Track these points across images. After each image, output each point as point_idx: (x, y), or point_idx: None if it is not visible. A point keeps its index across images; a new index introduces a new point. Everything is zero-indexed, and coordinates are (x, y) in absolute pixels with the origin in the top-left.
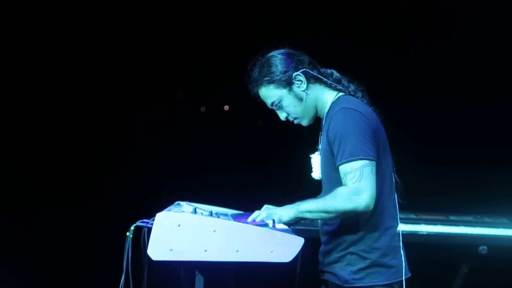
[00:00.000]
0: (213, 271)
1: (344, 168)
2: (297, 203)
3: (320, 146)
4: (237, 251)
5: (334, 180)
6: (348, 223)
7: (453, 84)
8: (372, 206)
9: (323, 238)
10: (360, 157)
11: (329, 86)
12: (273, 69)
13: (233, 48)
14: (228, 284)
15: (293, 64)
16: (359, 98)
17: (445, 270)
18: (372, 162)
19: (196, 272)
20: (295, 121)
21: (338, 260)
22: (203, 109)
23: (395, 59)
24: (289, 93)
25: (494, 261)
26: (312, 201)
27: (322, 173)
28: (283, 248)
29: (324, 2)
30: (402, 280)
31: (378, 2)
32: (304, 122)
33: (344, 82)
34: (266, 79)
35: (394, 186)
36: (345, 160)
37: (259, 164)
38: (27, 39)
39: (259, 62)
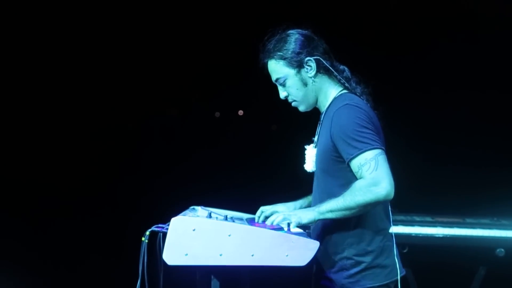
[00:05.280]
0: (229, 275)
1: (358, 161)
2: (318, 205)
3: (316, 139)
4: (252, 255)
5: (328, 174)
6: (341, 226)
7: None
8: (392, 194)
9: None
10: (372, 146)
11: (337, 82)
12: (288, 46)
13: (248, 53)
14: None
15: (309, 48)
16: (364, 101)
17: (462, 273)
18: (383, 151)
19: (212, 276)
20: (293, 104)
21: (333, 265)
22: (217, 114)
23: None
24: (296, 75)
25: None
26: (331, 201)
27: (316, 166)
28: (299, 251)
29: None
30: (398, 280)
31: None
32: (302, 108)
33: (353, 82)
34: (279, 53)
35: None
36: (357, 153)
37: (274, 168)
38: (44, 46)
39: (278, 35)
